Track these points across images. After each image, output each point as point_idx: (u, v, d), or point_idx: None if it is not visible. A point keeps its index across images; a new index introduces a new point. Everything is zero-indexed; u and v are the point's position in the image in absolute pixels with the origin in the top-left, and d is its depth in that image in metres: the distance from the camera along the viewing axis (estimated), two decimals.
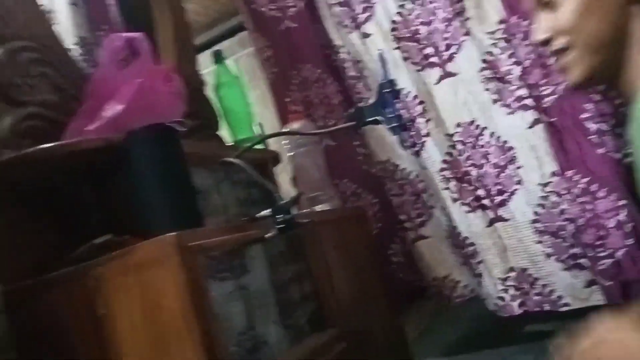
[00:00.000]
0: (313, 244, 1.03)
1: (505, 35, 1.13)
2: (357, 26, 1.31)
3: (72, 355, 0.74)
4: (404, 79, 1.28)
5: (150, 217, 0.77)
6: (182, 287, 0.68)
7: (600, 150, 1.05)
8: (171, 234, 0.70)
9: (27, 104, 0.91)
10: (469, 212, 1.23)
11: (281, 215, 0.86)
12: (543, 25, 0.80)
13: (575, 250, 1.10)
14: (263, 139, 1.13)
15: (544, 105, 1.10)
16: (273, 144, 1.39)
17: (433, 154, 1.26)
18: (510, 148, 1.17)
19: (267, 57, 1.34)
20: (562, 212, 1.10)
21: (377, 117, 0.92)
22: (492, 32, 1.15)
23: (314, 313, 0.99)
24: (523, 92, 1.12)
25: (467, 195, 1.22)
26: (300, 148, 1.30)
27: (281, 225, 0.86)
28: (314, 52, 1.35)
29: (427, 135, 1.25)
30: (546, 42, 0.81)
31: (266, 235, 0.86)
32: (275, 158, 1.25)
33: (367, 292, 1.20)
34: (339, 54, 1.35)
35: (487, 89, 1.18)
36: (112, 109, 0.92)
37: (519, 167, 1.17)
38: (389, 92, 0.91)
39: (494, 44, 1.16)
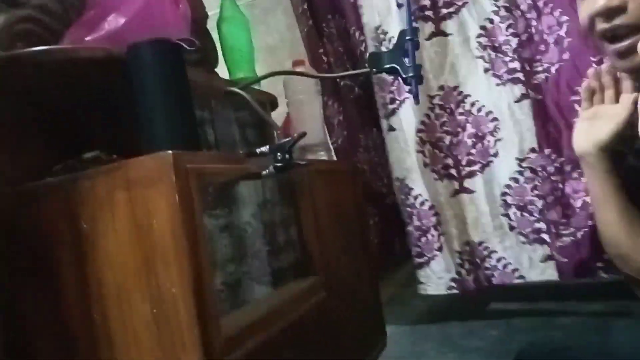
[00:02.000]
0: (304, 191, 1.01)
1: (507, 4, 1.10)
2: None
3: (51, 268, 0.71)
4: (394, 25, 1.23)
5: (147, 135, 0.74)
6: (175, 209, 0.65)
7: None
8: (169, 152, 0.66)
9: (23, 5, 0.86)
10: (437, 179, 1.22)
11: (280, 154, 0.84)
12: None
13: (540, 225, 1.10)
14: (266, 77, 1.09)
15: (534, 82, 1.08)
16: (271, 89, 1.35)
17: (411, 114, 1.22)
18: (495, 119, 1.15)
19: (302, 10, 1.28)
20: (534, 187, 1.11)
21: (394, 65, 0.89)
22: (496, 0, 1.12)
23: (297, 259, 0.97)
24: (516, 64, 1.10)
25: (438, 162, 1.20)
26: (299, 95, 1.27)
27: (279, 164, 0.83)
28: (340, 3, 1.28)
29: (409, 92, 1.21)
30: (613, 12, 0.78)
31: (263, 173, 0.84)
32: (272, 102, 1.21)
33: (350, 247, 1.19)
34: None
35: (480, 57, 1.15)
36: (114, 22, 0.87)
37: (499, 140, 1.16)
38: (410, 40, 0.87)
39: (496, 12, 1.12)
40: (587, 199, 1.06)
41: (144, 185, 0.67)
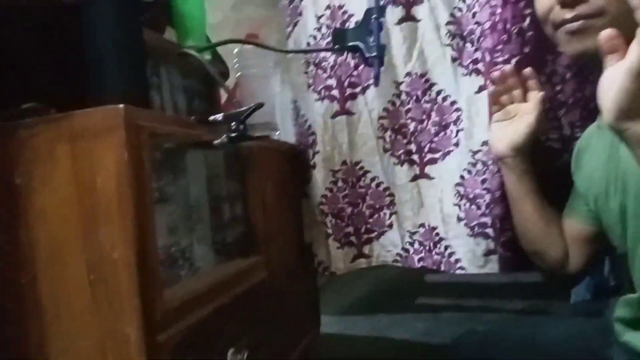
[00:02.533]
0: (252, 168, 0.98)
1: None
2: None
3: None
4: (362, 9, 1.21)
5: (96, 88, 0.68)
6: (123, 166, 0.60)
7: None
8: (119, 106, 0.61)
9: None
10: (396, 164, 1.21)
11: (235, 124, 0.80)
12: None
13: (486, 219, 1.12)
14: (225, 42, 1.04)
15: (494, 71, 1.05)
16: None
17: (376, 99, 1.19)
18: (458, 109, 1.15)
19: None
20: (483, 181, 1.11)
21: (357, 43, 0.87)
22: None
23: (243, 236, 0.93)
24: (478, 55, 1.09)
25: (399, 147, 1.20)
26: (251, 69, 1.23)
27: (233, 135, 0.79)
28: None
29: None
30: None
31: (215, 142, 0.80)
32: (223, 73, 1.16)
33: (293, 230, 1.17)
34: None
35: (449, 45, 1.14)
36: None
37: (460, 130, 1.16)
38: (376, 19, 0.86)
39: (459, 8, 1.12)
40: None
41: (90, 139, 0.61)
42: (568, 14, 0.81)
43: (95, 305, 0.61)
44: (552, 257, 1.01)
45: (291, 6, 1.25)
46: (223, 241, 0.88)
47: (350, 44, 0.89)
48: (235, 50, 1.24)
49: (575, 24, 0.80)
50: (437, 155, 1.18)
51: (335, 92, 1.21)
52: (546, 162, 1.08)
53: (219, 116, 0.81)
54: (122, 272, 0.60)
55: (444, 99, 1.15)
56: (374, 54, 0.86)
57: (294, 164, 1.24)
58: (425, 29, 1.15)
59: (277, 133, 1.26)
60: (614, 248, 0.91)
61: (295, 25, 1.25)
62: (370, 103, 1.19)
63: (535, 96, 0.98)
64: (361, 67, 1.13)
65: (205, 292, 0.74)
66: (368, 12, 0.88)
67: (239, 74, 1.24)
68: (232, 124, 0.80)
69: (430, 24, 1.14)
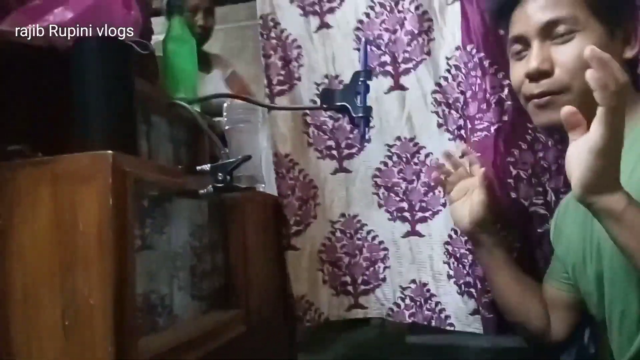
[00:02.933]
0: (236, 218, 0.98)
1: (457, 63, 1.15)
2: (316, 13, 1.27)
3: None
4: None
5: (83, 133, 0.69)
6: (107, 211, 0.60)
7: (514, 195, 1.10)
8: (108, 152, 0.62)
9: None
10: (390, 220, 1.24)
11: (221, 174, 0.81)
12: (539, 54, 0.83)
13: (469, 279, 1.13)
14: (214, 97, 1.06)
15: (474, 139, 1.12)
16: None
17: (369, 159, 1.25)
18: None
19: None
20: (467, 241, 1.13)
21: (344, 104, 0.90)
22: (449, 58, 1.16)
23: (221, 287, 0.92)
24: (461, 122, 1.15)
25: (392, 204, 1.24)
26: (239, 124, 1.25)
27: (219, 185, 0.80)
28: None
29: (369, 141, 1.23)
30: (542, 75, 0.83)
31: (201, 191, 0.80)
32: (211, 127, 1.18)
33: (274, 284, 1.16)
34: (274, 29, 1.30)
35: (434, 112, 1.19)
36: (61, 15, 0.82)
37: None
38: (363, 82, 0.89)
39: (448, 70, 1.17)
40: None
41: (74, 182, 0.62)
42: (535, 89, 0.85)
43: (68, 351, 0.59)
44: (534, 326, 1.00)
45: (284, 71, 1.29)
46: (203, 291, 0.87)
47: (338, 104, 0.92)
48: (225, 104, 1.27)
49: (542, 99, 0.85)
50: (427, 214, 1.20)
51: (334, 152, 1.28)
52: (531, 227, 1.10)
53: (206, 166, 0.81)
54: (98, 319, 0.59)
55: (431, 161, 1.19)
56: (360, 114, 0.89)
57: (279, 216, 1.25)
58: (413, 97, 1.20)
59: (262, 186, 1.27)
60: (592, 316, 0.91)
61: (292, 87, 1.29)
62: (366, 162, 1.26)
63: (478, 170, 1.01)
64: (356, 130, 1.17)
65: (182, 344, 0.73)
66: (355, 75, 0.91)
67: (227, 127, 1.26)
68: (219, 174, 0.81)
69: (417, 92, 1.20)
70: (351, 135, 1.26)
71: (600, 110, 0.65)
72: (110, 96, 0.70)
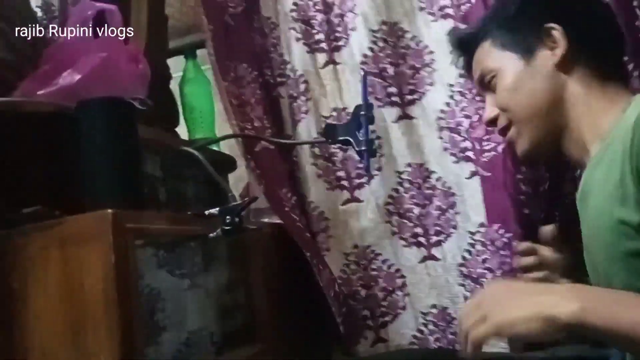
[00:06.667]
0: (255, 255, 0.99)
1: (461, 89, 1.19)
2: (324, 50, 1.31)
3: None
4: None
5: (90, 192, 0.72)
6: (110, 270, 0.62)
7: (526, 211, 1.11)
8: (108, 210, 0.64)
9: None
10: (405, 246, 1.25)
11: (229, 217, 0.82)
12: (488, 107, 0.89)
13: None
14: (223, 138, 1.09)
15: (483, 160, 1.15)
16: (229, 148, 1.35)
17: (381, 188, 1.27)
18: (453, 194, 1.21)
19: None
20: (484, 260, 1.15)
21: (348, 138, 0.91)
22: (452, 85, 1.20)
23: (245, 325, 0.94)
24: (467, 144, 1.18)
25: (406, 230, 1.25)
26: None
27: (227, 227, 0.82)
28: (250, 56, 1.30)
29: (379, 169, 1.27)
30: (493, 122, 0.89)
31: (210, 235, 0.82)
32: (231, 163, 1.21)
33: (297, 316, 1.16)
34: (283, 69, 1.33)
35: (440, 137, 1.22)
36: (69, 78, 0.87)
37: (457, 213, 1.21)
38: (364, 115, 0.90)
39: (451, 96, 1.21)
40: None
41: (79, 243, 0.64)
42: (499, 133, 0.90)
43: None
44: None
45: (293, 105, 1.31)
46: (223, 331, 0.88)
47: (341, 138, 0.93)
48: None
49: (505, 138, 0.89)
50: (441, 238, 1.21)
51: (345, 182, 1.29)
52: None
53: (215, 210, 0.83)
54: None
55: (443, 184, 1.22)
56: (363, 147, 0.90)
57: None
58: (420, 125, 1.24)
59: None
60: None
61: (299, 121, 1.31)
62: (376, 191, 1.27)
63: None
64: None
65: None
66: (357, 109, 0.93)
67: (246, 163, 1.29)
68: (227, 217, 0.82)
69: (423, 121, 1.24)
70: (360, 165, 1.27)
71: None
72: (112, 153, 0.73)
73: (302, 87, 1.30)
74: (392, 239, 1.25)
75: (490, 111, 0.88)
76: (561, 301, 0.61)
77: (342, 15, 1.30)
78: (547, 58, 0.81)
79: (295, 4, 1.32)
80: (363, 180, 1.28)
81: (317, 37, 1.31)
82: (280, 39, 1.33)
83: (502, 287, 0.72)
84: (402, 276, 1.25)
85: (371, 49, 1.27)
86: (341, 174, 1.29)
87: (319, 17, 1.31)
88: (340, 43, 1.30)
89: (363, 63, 1.28)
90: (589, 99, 0.79)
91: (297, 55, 1.31)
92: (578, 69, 0.80)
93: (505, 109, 0.85)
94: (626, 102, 0.77)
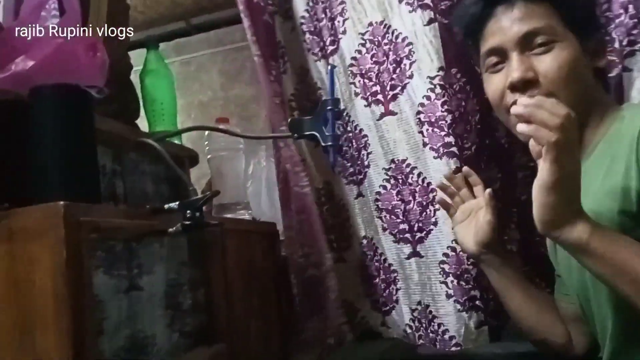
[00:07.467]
0: (215, 251, 0.96)
1: (442, 82, 1.16)
2: (324, 56, 1.35)
3: None
4: (354, 112, 1.32)
5: (40, 184, 0.68)
6: (61, 266, 0.59)
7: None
8: (59, 202, 0.61)
9: None
10: (394, 242, 1.26)
11: (190, 212, 0.79)
12: (520, 66, 0.84)
13: (475, 292, 1.13)
14: (187, 130, 1.06)
15: (465, 155, 1.15)
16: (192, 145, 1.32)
17: (371, 185, 1.30)
18: (433, 190, 1.19)
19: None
20: (468, 257, 1.13)
21: (313, 132, 0.89)
22: (432, 78, 1.18)
23: (203, 324, 0.91)
24: (449, 139, 1.16)
25: (394, 226, 1.26)
26: (220, 152, 1.24)
27: (188, 222, 0.79)
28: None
29: (368, 166, 1.29)
30: (525, 84, 0.83)
31: (169, 230, 0.79)
32: (193, 157, 1.17)
33: (263, 314, 1.14)
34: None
35: (420, 132, 1.20)
36: (22, 64, 0.82)
37: (437, 209, 1.19)
38: (331, 110, 0.88)
39: (432, 89, 1.18)
40: None
41: (28, 237, 0.61)
42: (519, 96, 0.83)
43: None
44: (555, 343, 0.96)
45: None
46: (181, 329, 0.85)
47: (307, 132, 0.92)
48: (206, 133, 1.27)
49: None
50: (423, 234, 1.21)
51: (355, 177, 1.35)
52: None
53: (174, 204, 0.80)
54: None
55: (423, 180, 1.21)
56: (330, 143, 0.89)
57: (271, 242, 1.23)
58: (401, 120, 1.23)
59: (248, 212, 1.26)
60: None
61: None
62: (369, 188, 1.30)
63: (483, 191, 0.99)
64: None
65: None
66: (324, 103, 0.91)
67: (209, 156, 1.26)
68: (187, 212, 0.80)
69: (404, 115, 1.23)
70: (359, 163, 1.32)
71: (545, 147, 0.66)
72: (66, 143, 0.69)
73: None
74: (384, 235, 1.28)
75: (525, 71, 0.83)
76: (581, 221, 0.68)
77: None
78: (594, 60, 0.86)
79: None
80: (361, 175, 1.32)
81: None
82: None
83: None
84: (394, 271, 1.27)
85: (358, 51, 1.29)
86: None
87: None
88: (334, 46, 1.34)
89: (351, 65, 1.30)
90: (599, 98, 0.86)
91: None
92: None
93: (557, 89, 0.81)
94: (612, 105, 0.85)
